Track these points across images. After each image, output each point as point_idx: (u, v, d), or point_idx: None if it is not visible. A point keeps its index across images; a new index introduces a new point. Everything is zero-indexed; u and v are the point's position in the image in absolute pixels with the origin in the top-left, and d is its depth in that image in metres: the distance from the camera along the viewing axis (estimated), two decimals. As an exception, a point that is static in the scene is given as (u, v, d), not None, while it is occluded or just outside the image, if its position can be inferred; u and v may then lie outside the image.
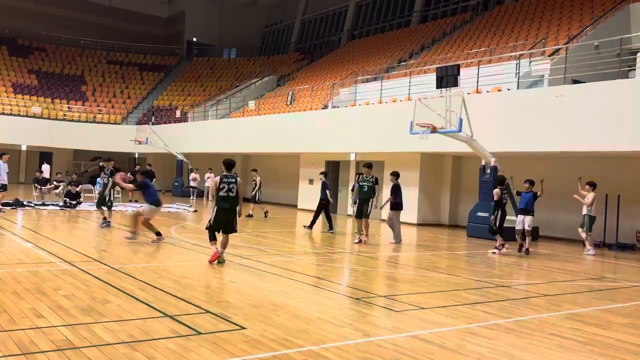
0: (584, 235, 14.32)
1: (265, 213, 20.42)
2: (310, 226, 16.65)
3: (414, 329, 6.21)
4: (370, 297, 7.67)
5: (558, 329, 6.47)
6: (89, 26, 44.40)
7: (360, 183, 14.47)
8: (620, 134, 14.18)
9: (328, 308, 6.98)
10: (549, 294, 8.61)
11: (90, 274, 8.26)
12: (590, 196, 14.09)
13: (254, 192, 20.30)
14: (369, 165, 14.48)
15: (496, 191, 13.27)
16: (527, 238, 13.48)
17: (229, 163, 9.86)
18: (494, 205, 13.44)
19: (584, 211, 14.26)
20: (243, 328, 5.78)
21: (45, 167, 28.16)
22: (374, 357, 5.09)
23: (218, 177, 9.60)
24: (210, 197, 27.07)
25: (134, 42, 44.74)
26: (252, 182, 21.07)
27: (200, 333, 5.51)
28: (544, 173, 18.02)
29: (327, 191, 16.62)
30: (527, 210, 13.59)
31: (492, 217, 13.35)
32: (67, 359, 4.61)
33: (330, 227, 16.45)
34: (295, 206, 26.05)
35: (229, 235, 9.84)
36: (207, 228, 9.79)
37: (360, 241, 13.93)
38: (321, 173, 17.59)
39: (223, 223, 9.65)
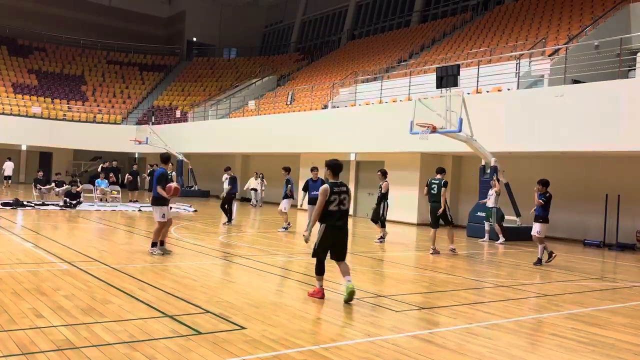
0: (489, 226, 15.91)
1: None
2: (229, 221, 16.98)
3: (414, 329, 6.22)
4: (370, 297, 7.67)
5: (558, 329, 6.47)
6: (89, 26, 44.39)
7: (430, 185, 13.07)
8: (619, 134, 14.19)
9: (328, 308, 6.98)
10: (549, 294, 8.61)
11: (90, 274, 8.26)
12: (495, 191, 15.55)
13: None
14: (441, 171, 13.24)
15: (385, 184, 14.06)
16: (538, 246, 12.00)
17: (335, 165, 7.32)
18: (380, 197, 14.20)
19: (492, 204, 15.77)
20: (243, 328, 5.78)
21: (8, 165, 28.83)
22: (374, 357, 5.09)
23: (327, 187, 7.13)
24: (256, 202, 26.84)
25: (134, 42, 44.73)
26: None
27: (200, 333, 5.51)
28: (544, 173, 18.02)
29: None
30: (536, 216, 12.01)
31: (377, 207, 14.26)
32: (67, 359, 4.61)
33: (230, 220, 17.01)
34: (295, 206, 26.04)
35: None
36: (314, 255, 7.33)
37: (435, 251, 12.68)
38: (226, 169, 18.54)
39: (336, 246, 7.29)
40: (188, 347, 5.07)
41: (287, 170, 16.99)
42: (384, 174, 14.47)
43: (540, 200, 11.80)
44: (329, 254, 7.32)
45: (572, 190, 17.55)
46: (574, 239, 17.34)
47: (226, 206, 17.15)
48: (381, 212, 14.30)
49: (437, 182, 12.83)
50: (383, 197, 14.31)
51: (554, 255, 12.01)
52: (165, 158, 10.92)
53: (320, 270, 7.32)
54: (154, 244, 10.54)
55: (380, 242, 14.17)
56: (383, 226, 14.33)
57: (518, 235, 17.10)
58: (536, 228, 11.86)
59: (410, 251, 14.05)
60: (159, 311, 6.29)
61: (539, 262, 11.78)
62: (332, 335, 5.69)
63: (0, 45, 40.20)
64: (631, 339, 6.20)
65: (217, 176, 34.35)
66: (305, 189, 14.82)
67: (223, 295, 7.37)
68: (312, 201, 14.08)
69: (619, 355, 5.60)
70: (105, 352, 4.81)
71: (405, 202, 20.88)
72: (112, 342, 5.09)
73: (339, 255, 7.31)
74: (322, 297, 7.26)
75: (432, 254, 12.59)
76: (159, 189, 10.31)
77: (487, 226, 16.17)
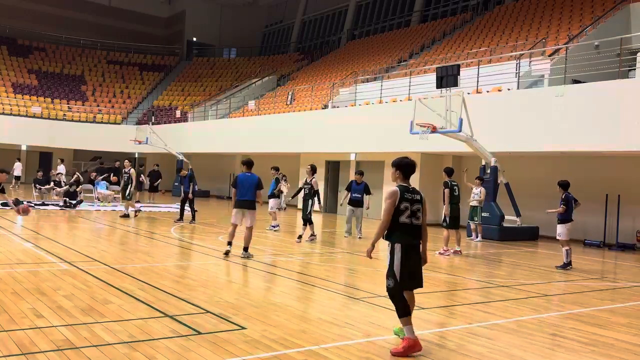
0: (474, 225, 16.06)
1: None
2: (191, 218, 17.03)
3: (413, 329, 6.21)
4: (370, 297, 7.67)
5: (558, 329, 6.47)
6: (89, 26, 44.39)
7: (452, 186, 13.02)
8: (620, 134, 14.19)
9: (328, 308, 6.98)
10: (549, 294, 8.62)
11: (90, 274, 8.25)
12: (483, 190, 15.66)
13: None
14: (448, 171, 13.16)
15: (315, 181, 14.17)
16: (562, 249, 11.55)
17: (408, 165, 5.63)
18: (309, 194, 14.16)
19: (475, 203, 15.84)
20: (243, 328, 5.78)
21: (61, 168, 28.24)
22: (374, 357, 5.09)
23: (396, 190, 5.48)
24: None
25: (134, 42, 44.74)
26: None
27: (200, 333, 5.51)
28: (544, 173, 18.05)
29: (192, 184, 17.04)
30: (557, 218, 11.60)
31: (305, 205, 14.21)
32: (67, 359, 4.61)
33: (181, 218, 17.22)
34: (295, 206, 26.04)
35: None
36: (389, 289, 5.41)
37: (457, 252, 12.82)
38: (190, 168, 18.38)
39: (413, 272, 5.45)
40: (188, 347, 5.07)
41: (277, 169, 17.24)
42: (314, 170, 14.48)
43: (560, 208, 11.38)
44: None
45: (572, 190, 17.50)
46: (574, 239, 17.27)
47: (185, 205, 17.36)
48: (309, 209, 14.14)
49: (456, 184, 13.24)
50: (313, 194, 14.21)
51: (568, 267, 11.34)
52: (249, 163, 11.10)
53: (405, 309, 5.31)
54: (245, 248, 10.66)
55: (313, 238, 13.94)
56: (311, 223, 14.14)
57: (518, 235, 17.13)
58: (557, 230, 11.55)
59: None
60: (159, 311, 6.29)
61: (563, 265, 11.31)
62: (332, 336, 5.69)
63: (0, 45, 40.20)
64: (631, 339, 6.20)
65: (217, 176, 34.48)
66: (348, 188, 15.67)
67: (223, 295, 7.36)
68: (353, 203, 15.27)
69: (619, 355, 5.59)
70: (105, 352, 4.80)
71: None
72: (112, 342, 5.09)
73: (416, 283, 5.50)
74: (420, 348, 5.22)
75: (454, 253, 12.84)
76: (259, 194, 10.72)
77: (472, 225, 16.29)
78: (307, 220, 14.18)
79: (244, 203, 10.62)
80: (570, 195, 11.49)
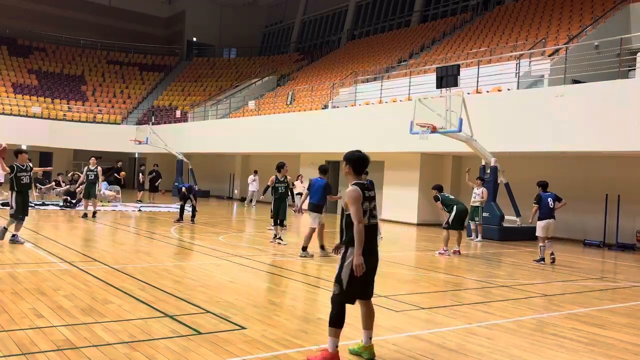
0: (474, 226, 16.06)
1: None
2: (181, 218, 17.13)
3: (414, 329, 6.21)
4: (370, 297, 7.66)
5: (558, 329, 6.47)
6: (89, 26, 44.37)
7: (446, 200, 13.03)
8: (620, 134, 14.18)
9: (328, 308, 6.96)
10: (549, 294, 8.62)
11: (90, 274, 8.26)
12: (485, 191, 15.75)
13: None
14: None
15: (272, 178, 13.05)
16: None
17: (360, 159, 5.10)
18: (286, 193, 13.12)
19: (477, 203, 15.84)
20: (243, 328, 5.78)
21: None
22: (374, 357, 5.09)
23: (357, 191, 4.92)
24: (249, 202, 26.38)
25: (134, 42, 44.73)
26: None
27: (200, 333, 5.51)
28: (544, 173, 18.04)
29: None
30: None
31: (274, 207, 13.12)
32: (67, 359, 4.61)
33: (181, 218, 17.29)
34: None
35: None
36: (333, 296, 4.95)
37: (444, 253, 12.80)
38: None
39: (366, 279, 4.93)
40: (188, 347, 5.07)
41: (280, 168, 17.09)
42: (279, 167, 13.28)
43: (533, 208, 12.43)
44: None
45: (572, 190, 17.54)
46: (574, 239, 17.34)
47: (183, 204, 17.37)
48: (279, 209, 13.07)
49: (447, 195, 13.36)
50: (286, 194, 13.18)
51: (541, 261, 12.02)
52: (324, 169, 11.72)
53: (338, 320, 4.84)
54: (304, 248, 11.17)
55: (279, 242, 12.97)
56: (283, 226, 13.20)
57: (518, 235, 17.13)
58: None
59: (411, 251, 14.04)
60: (159, 311, 6.29)
61: (537, 260, 12.16)
62: (332, 335, 5.68)
63: (0, 45, 40.20)
64: (631, 339, 6.20)
65: (217, 176, 34.50)
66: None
67: (223, 295, 7.36)
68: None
69: (619, 355, 5.60)
70: (105, 352, 4.81)
71: (406, 202, 20.90)
72: (112, 342, 5.09)
73: (366, 293, 5.01)
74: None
75: (453, 254, 12.82)
76: (329, 198, 11.48)
77: (472, 225, 16.28)
78: (281, 222, 13.11)
79: (309, 205, 11.55)
80: (547, 194, 12.25)
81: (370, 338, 5.02)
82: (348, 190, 4.92)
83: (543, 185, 12.47)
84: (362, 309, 5.04)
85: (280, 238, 13.09)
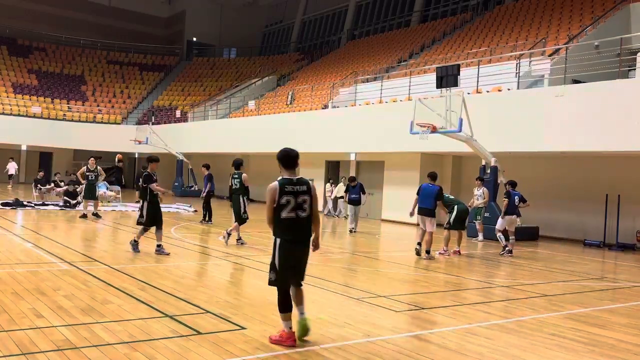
0: (479, 226, 16.24)
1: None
2: (205, 219, 17.14)
3: (414, 329, 6.22)
4: (370, 297, 7.67)
5: (558, 329, 6.47)
6: (89, 26, 44.38)
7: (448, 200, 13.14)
8: (620, 134, 14.18)
9: (328, 308, 6.98)
10: (549, 294, 8.61)
11: (90, 274, 8.25)
12: (486, 191, 15.64)
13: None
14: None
15: (245, 176, 12.58)
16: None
17: (285, 155, 5.56)
18: (240, 189, 12.50)
19: (480, 204, 15.80)
20: (243, 328, 5.78)
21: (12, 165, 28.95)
22: (374, 357, 5.09)
23: (274, 185, 5.44)
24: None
25: (134, 42, 44.73)
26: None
27: (200, 333, 5.51)
28: (544, 173, 18.04)
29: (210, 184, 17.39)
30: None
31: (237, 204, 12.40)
32: (67, 359, 4.61)
33: (207, 218, 17.25)
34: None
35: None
36: (270, 282, 5.50)
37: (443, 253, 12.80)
38: (204, 165, 18.09)
39: (294, 266, 5.51)
40: (188, 347, 5.07)
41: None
42: (237, 164, 12.94)
43: (504, 203, 13.33)
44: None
45: (572, 190, 17.55)
46: (574, 239, 17.34)
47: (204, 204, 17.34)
48: (243, 208, 12.47)
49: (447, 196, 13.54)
50: (244, 191, 12.64)
51: (504, 253, 13.06)
52: (434, 176, 12.15)
53: (285, 305, 5.39)
54: (427, 251, 11.86)
55: (239, 243, 12.43)
56: (241, 223, 12.50)
57: (518, 235, 17.09)
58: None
59: (411, 251, 14.03)
60: (159, 311, 6.29)
61: (502, 248, 13.30)
62: (332, 335, 5.69)
63: (0, 45, 40.21)
64: (631, 339, 6.20)
65: (218, 176, 34.43)
66: (346, 190, 17.67)
67: (223, 295, 7.36)
68: (353, 202, 17.09)
69: (619, 355, 5.60)
70: (105, 352, 4.80)
71: (406, 202, 20.84)
72: (112, 342, 5.09)
73: (297, 278, 5.53)
74: (294, 342, 5.27)
75: (453, 254, 12.83)
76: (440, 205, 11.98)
77: (478, 225, 16.38)
78: (242, 220, 12.46)
79: (422, 210, 12.01)
80: (515, 192, 13.36)
81: (303, 314, 5.46)
82: (269, 186, 5.45)
83: (512, 184, 13.55)
84: (292, 292, 5.52)
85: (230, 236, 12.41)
